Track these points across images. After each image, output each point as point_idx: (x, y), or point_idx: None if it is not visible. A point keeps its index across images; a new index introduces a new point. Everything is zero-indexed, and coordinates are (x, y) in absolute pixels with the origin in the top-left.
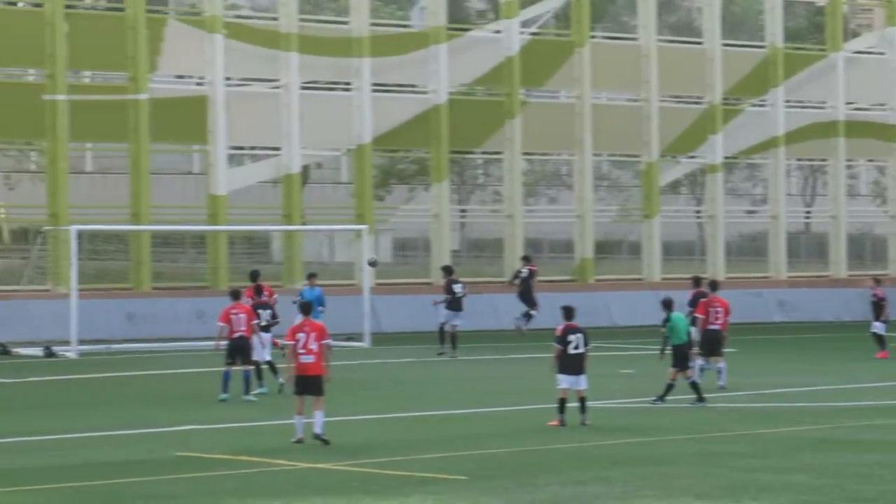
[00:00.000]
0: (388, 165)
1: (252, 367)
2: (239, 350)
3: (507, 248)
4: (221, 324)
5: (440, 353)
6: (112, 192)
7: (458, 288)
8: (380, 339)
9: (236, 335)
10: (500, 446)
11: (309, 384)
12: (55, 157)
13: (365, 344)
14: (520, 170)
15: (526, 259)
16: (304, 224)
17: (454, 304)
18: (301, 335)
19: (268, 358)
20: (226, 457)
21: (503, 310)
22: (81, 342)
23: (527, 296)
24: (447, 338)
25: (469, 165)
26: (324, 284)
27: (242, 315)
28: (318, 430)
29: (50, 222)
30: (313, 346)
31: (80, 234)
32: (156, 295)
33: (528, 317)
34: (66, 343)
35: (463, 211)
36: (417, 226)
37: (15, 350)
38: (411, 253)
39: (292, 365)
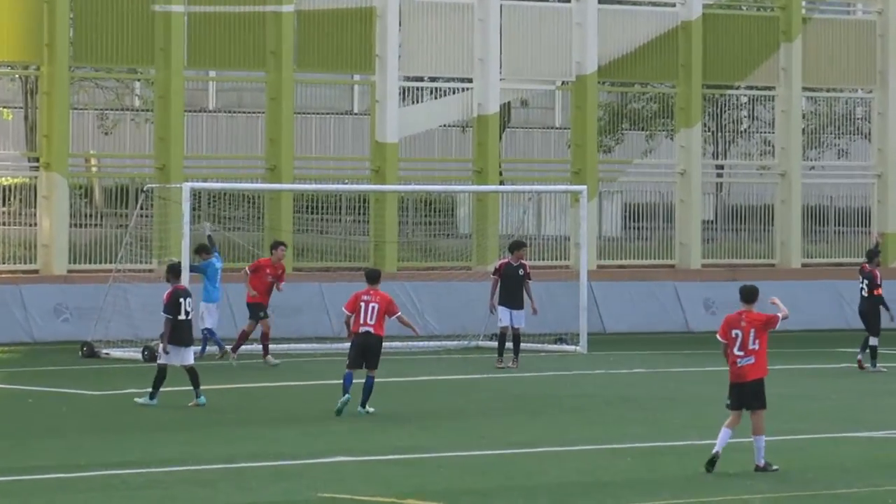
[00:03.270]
0: (619, 105)
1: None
2: (365, 350)
3: (780, 219)
4: (347, 311)
5: (499, 367)
6: (241, 137)
7: (520, 272)
8: (600, 341)
9: (363, 330)
10: None
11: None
12: (167, 89)
13: (580, 348)
14: (799, 111)
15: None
16: (502, 184)
17: (512, 296)
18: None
19: None
20: (387, 500)
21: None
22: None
23: None
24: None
25: (729, 105)
26: (533, 266)
27: (375, 304)
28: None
29: (157, 178)
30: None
31: (197, 195)
32: (297, 278)
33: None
34: None
35: (719, 167)
36: (657, 187)
37: (105, 351)
38: (647, 224)
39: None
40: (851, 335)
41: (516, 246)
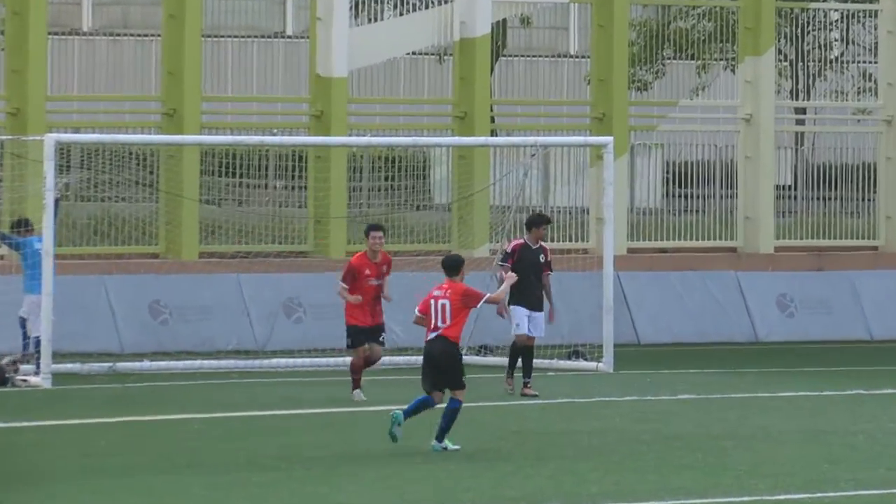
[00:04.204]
0: (659, 23)
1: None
2: (435, 364)
3: (885, 184)
4: (419, 312)
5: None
6: (128, 71)
7: (541, 258)
8: (632, 355)
9: (430, 336)
10: None
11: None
12: (23, 3)
13: (603, 365)
14: None
15: None
16: (494, 134)
17: (531, 293)
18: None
19: None
20: None
21: None
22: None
23: None
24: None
25: (814, 25)
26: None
27: (445, 301)
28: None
29: (10, 127)
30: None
31: (65, 150)
32: (205, 268)
33: None
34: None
35: (800, 112)
36: (712, 138)
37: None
38: (697, 192)
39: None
40: None
41: (537, 221)
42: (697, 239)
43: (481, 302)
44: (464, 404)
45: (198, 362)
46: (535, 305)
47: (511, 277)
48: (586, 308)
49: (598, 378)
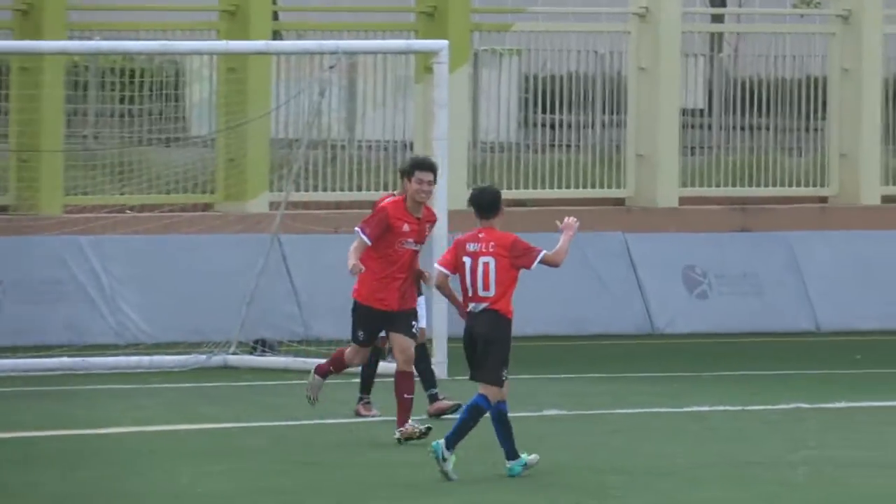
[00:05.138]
0: None
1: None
2: (474, 345)
3: None
4: (444, 269)
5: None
6: None
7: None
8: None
9: (472, 308)
10: None
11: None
12: None
13: (435, 368)
14: None
15: None
16: (278, 37)
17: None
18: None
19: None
20: None
21: None
22: None
23: None
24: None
25: None
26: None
27: (489, 258)
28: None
29: None
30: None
31: None
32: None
33: None
34: None
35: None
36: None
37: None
38: (569, 117)
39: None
40: None
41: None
42: (569, 186)
43: (537, 261)
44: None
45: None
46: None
47: (570, 226)
48: None
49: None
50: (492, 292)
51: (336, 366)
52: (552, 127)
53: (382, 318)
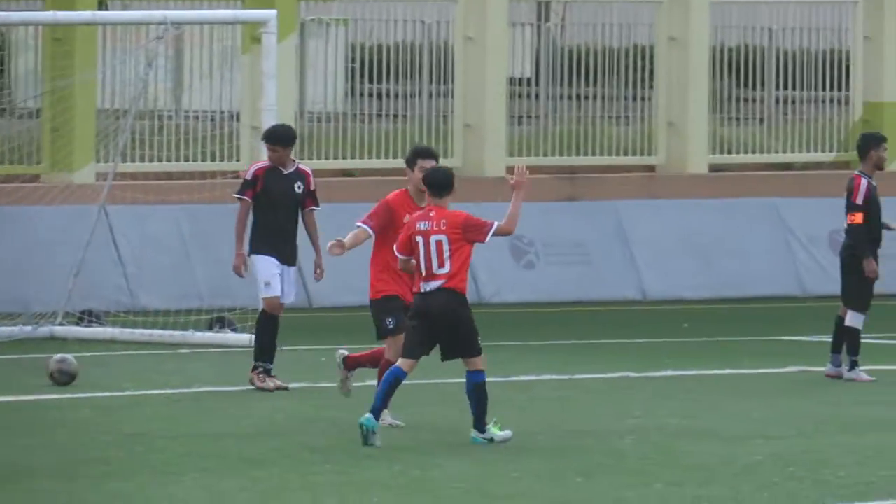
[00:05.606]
0: None
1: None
2: (436, 325)
3: None
4: (400, 253)
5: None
6: None
7: (297, 188)
8: (303, 323)
9: (425, 288)
10: None
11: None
12: None
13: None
14: None
15: None
16: (103, 7)
17: (283, 238)
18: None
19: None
20: None
21: None
22: None
23: None
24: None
25: None
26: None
27: (441, 236)
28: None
29: None
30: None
31: None
32: None
33: None
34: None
35: None
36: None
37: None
38: (398, 88)
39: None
40: None
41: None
42: (396, 156)
43: (491, 234)
44: None
45: None
46: (288, 256)
47: (521, 183)
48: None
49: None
50: (447, 269)
51: (374, 364)
52: (379, 97)
53: (402, 306)
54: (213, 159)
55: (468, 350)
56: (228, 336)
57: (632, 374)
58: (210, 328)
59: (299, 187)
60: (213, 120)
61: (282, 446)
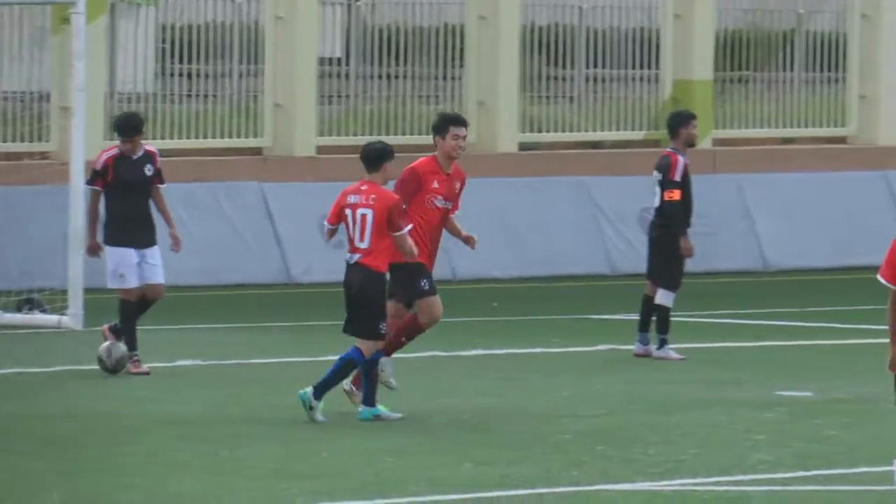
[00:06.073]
0: None
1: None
2: (349, 298)
3: None
4: (328, 224)
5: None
6: None
7: (147, 170)
8: (112, 304)
9: (348, 261)
10: None
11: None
12: None
13: (69, 318)
14: None
15: None
16: None
17: (138, 222)
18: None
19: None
20: None
21: None
22: None
23: None
24: None
25: None
26: None
27: (367, 211)
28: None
29: None
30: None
31: None
32: None
33: None
34: None
35: None
36: None
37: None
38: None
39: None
40: None
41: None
42: (206, 136)
43: (398, 233)
44: None
45: None
46: (146, 240)
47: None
48: (45, 238)
49: (63, 337)
50: (366, 244)
51: (410, 334)
52: (189, 77)
53: (425, 272)
54: (22, 140)
55: (367, 331)
56: (37, 317)
57: (442, 354)
58: (19, 309)
59: (149, 169)
60: (22, 101)
61: (90, 427)
